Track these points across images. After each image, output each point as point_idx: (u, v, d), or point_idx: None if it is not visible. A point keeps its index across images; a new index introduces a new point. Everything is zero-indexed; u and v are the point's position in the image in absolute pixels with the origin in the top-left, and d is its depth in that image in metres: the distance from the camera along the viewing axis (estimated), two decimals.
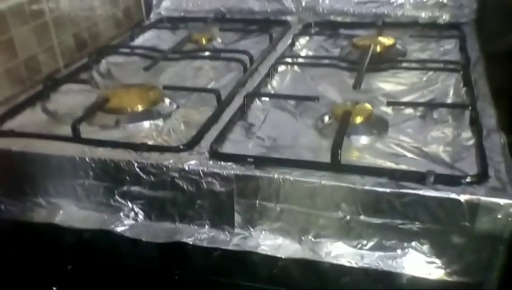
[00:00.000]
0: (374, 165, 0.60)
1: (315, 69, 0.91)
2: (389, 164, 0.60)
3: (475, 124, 0.66)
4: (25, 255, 0.73)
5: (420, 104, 0.73)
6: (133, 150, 0.65)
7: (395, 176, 0.56)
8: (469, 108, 0.68)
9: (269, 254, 0.60)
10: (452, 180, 0.55)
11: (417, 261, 0.56)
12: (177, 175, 0.61)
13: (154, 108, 0.78)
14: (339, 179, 0.57)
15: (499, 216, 0.52)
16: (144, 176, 0.63)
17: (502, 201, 0.52)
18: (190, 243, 0.61)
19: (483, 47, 0.93)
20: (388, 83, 0.84)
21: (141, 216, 0.65)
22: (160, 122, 0.75)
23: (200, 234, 0.62)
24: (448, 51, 0.96)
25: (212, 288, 0.66)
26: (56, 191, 0.68)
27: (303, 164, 0.60)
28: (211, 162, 0.61)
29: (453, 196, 0.53)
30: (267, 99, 0.79)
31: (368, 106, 0.72)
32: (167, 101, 0.80)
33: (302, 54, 0.99)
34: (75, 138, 0.68)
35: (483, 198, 0.53)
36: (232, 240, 0.61)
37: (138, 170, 0.63)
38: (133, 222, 0.65)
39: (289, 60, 0.93)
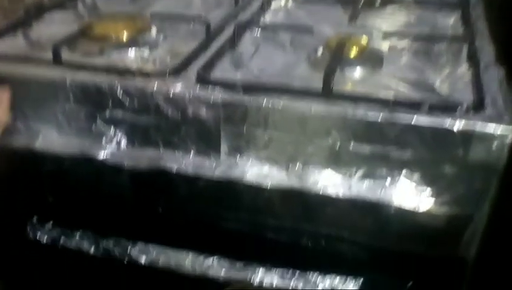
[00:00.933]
0: (368, 94, 0.57)
1: (310, 5, 0.87)
2: (384, 95, 0.58)
3: (472, 58, 0.63)
4: (5, 182, 0.70)
5: (417, 37, 0.70)
6: (116, 74, 0.61)
7: (388, 104, 0.54)
8: (468, 42, 0.65)
9: (255, 182, 0.58)
10: (447, 109, 0.53)
11: (407, 192, 0.55)
12: (162, 100, 0.58)
13: (140, 37, 0.74)
14: (330, 105, 0.54)
15: (494, 145, 0.50)
16: (128, 100, 0.60)
17: (498, 129, 0.50)
18: (174, 170, 0.59)
19: None
20: (385, 20, 0.81)
21: (123, 142, 0.62)
22: (146, 51, 0.72)
23: (184, 161, 0.60)
24: None
25: (196, 220, 0.65)
26: (36, 116, 0.65)
27: (293, 90, 0.57)
28: (198, 87, 0.58)
29: (448, 123, 0.51)
30: (259, 32, 0.75)
31: (363, 38, 0.69)
32: (154, 30, 0.77)
33: None
34: (56, 61, 0.65)
35: (478, 126, 0.51)
36: (217, 168, 0.59)
37: (121, 93, 0.60)
38: (115, 148, 0.62)
39: None
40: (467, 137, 0.51)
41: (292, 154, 0.57)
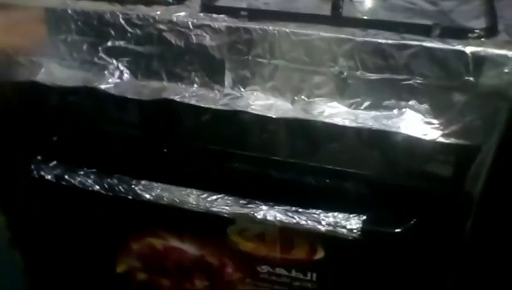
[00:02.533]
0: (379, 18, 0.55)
1: None
2: (397, 19, 0.55)
3: None
4: (8, 119, 0.69)
5: None
6: (118, 2, 0.59)
7: (399, 28, 0.51)
8: None
9: (260, 113, 0.56)
10: (459, 33, 0.50)
11: (414, 121, 0.53)
12: (165, 28, 0.56)
13: None
14: (339, 31, 0.52)
15: (506, 70, 0.48)
16: (130, 29, 0.58)
17: (510, 54, 0.48)
18: (178, 100, 0.57)
19: None
20: None
21: (127, 74, 0.60)
22: None
23: (188, 92, 0.58)
24: None
25: (200, 156, 0.63)
26: (37, 49, 0.63)
27: (301, 16, 0.55)
28: (202, 14, 0.56)
29: (459, 47, 0.49)
30: None
31: None
32: None
33: None
34: None
35: (490, 50, 0.49)
36: (221, 99, 0.57)
37: (123, 22, 0.58)
38: (118, 80, 0.60)
39: None
40: (478, 62, 0.49)
41: (297, 84, 0.56)
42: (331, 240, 0.62)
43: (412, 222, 0.59)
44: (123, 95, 0.59)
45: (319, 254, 0.69)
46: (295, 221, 0.62)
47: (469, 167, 0.54)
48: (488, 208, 0.61)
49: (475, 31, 0.50)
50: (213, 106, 0.57)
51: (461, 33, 0.50)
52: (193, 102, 0.57)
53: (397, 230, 0.60)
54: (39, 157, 0.72)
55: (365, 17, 0.54)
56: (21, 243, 0.86)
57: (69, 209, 0.74)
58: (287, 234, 0.69)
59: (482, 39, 0.50)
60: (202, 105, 0.57)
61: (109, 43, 0.59)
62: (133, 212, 0.69)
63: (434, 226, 0.61)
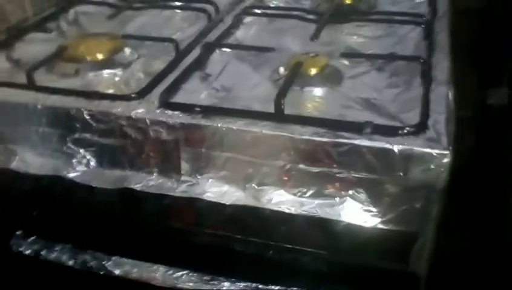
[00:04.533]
0: (318, 116, 0.60)
1: (281, 21, 0.90)
2: (336, 115, 0.61)
3: (426, 76, 0.66)
4: None
5: (371, 56, 0.73)
6: (84, 98, 0.65)
7: (334, 125, 0.57)
8: (421, 60, 0.67)
9: (214, 200, 0.61)
10: (389, 131, 0.56)
11: (354, 210, 0.58)
12: (125, 123, 0.62)
13: (114, 57, 0.78)
14: (280, 128, 0.58)
15: (432, 167, 0.53)
16: (94, 124, 0.64)
17: (435, 151, 0.53)
18: (138, 189, 0.63)
19: (454, 2, 0.92)
20: (352, 36, 0.84)
21: (93, 163, 0.66)
22: (119, 71, 0.76)
23: (148, 181, 0.63)
24: (419, 4, 0.94)
25: (164, 236, 0.69)
26: (12, 138, 0.69)
27: (248, 113, 0.60)
28: (158, 110, 0.62)
29: (387, 146, 0.54)
30: (227, 49, 0.79)
31: (323, 57, 0.72)
32: (127, 50, 0.80)
33: (272, 4, 0.98)
34: (30, 85, 0.69)
35: (416, 148, 0.53)
36: (178, 187, 0.63)
37: (88, 117, 0.64)
38: (85, 168, 0.66)
39: (256, 10, 0.92)
40: (405, 158, 0.54)
41: (247, 174, 0.61)
42: None
43: None
44: (89, 183, 0.64)
45: None
46: None
47: (409, 250, 0.59)
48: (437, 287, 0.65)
49: (405, 129, 0.55)
50: (171, 194, 0.62)
51: (391, 130, 0.55)
52: (153, 190, 0.63)
53: None
54: (19, 233, 0.78)
55: (304, 115, 0.60)
56: None
57: (45, 283, 0.79)
58: None
59: (410, 136, 0.55)
60: (161, 193, 0.62)
61: (76, 135, 0.65)
62: (104, 287, 0.74)
63: None
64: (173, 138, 0.61)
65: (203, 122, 0.60)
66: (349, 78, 0.70)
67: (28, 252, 0.76)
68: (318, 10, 0.92)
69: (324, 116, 0.60)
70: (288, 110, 0.61)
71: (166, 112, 0.62)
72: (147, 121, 0.61)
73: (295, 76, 0.65)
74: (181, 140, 0.61)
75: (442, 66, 0.69)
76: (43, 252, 0.75)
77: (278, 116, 0.59)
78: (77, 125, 0.65)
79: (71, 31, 0.91)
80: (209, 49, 0.77)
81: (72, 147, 0.66)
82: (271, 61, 0.75)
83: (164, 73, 0.71)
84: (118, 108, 0.63)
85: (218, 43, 0.79)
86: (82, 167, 0.66)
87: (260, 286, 0.67)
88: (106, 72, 0.76)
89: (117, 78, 0.74)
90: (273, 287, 0.66)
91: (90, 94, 0.66)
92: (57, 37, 0.89)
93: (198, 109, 0.62)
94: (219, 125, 0.59)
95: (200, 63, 0.75)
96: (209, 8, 0.91)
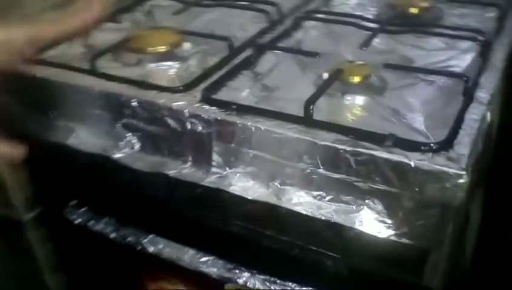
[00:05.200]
0: (345, 123, 0.62)
1: (341, 27, 0.92)
2: (366, 125, 0.62)
3: (467, 94, 0.66)
4: (49, 170, 0.85)
5: (413, 69, 0.73)
6: (135, 87, 0.72)
7: (357, 134, 0.59)
8: (464, 78, 0.67)
9: (239, 194, 0.66)
10: (410, 145, 0.57)
11: (370, 219, 0.60)
12: (167, 113, 0.68)
13: (174, 51, 0.84)
14: (304, 132, 0.61)
15: (448, 185, 0.54)
16: (140, 111, 0.70)
17: (452, 171, 0.53)
18: (172, 175, 0.68)
19: None
20: (409, 46, 0.84)
21: (137, 147, 0.73)
22: (176, 64, 0.82)
23: (181, 169, 0.69)
24: (488, 19, 0.92)
25: (193, 221, 0.74)
26: (72, 117, 0.78)
27: (278, 115, 0.64)
28: (197, 105, 0.67)
29: (405, 160, 0.55)
30: (278, 53, 0.82)
31: (368, 66, 0.74)
32: (187, 45, 0.86)
33: (335, 10, 1.00)
34: (91, 71, 0.77)
35: (433, 166, 0.54)
36: (208, 177, 0.67)
37: (135, 104, 0.70)
38: (130, 151, 0.73)
39: (316, 15, 0.95)
40: (422, 175, 0.55)
41: (272, 173, 0.64)
42: None
43: None
44: (130, 165, 0.71)
45: None
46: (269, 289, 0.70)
47: (423, 265, 0.59)
48: None
49: (427, 145, 0.56)
50: (201, 183, 0.68)
51: (412, 145, 0.57)
52: (184, 178, 0.68)
53: None
54: (72, 203, 0.87)
55: (330, 122, 0.62)
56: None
57: (89, 252, 0.88)
58: None
59: (430, 153, 0.56)
60: (192, 181, 0.68)
61: (125, 120, 0.72)
62: (138, 261, 0.81)
63: None
64: (207, 131, 0.66)
65: (235, 119, 0.64)
66: (392, 90, 0.71)
67: (77, 221, 0.85)
68: (378, 18, 0.92)
69: (350, 124, 0.62)
70: (323, 116, 0.63)
71: (204, 106, 0.67)
72: (186, 113, 0.67)
73: (331, 82, 0.67)
74: (215, 134, 0.66)
75: (488, 87, 0.68)
76: (90, 223, 0.84)
77: (306, 120, 0.62)
78: (126, 111, 0.71)
79: (144, 23, 0.99)
80: (260, 49, 0.81)
81: (121, 130, 0.73)
82: (320, 66, 0.77)
83: (213, 69, 0.76)
84: (162, 99, 0.69)
85: (269, 45, 0.83)
86: (127, 150, 0.73)
87: (278, 281, 0.70)
88: (164, 65, 0.82)
89: (173, 71, 0.81)
90: (289, 283, 0.69)
91: (140, 84, 0.72)
92: (130, 28, 0.97)
93: (233, 106, 0.66)
94: (248, 123, 0.63)
95: (249, 63, 0.79)
96: (271, 9, 0.94)
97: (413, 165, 0.55)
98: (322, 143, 0.59)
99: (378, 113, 0.67)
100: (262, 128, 0.62)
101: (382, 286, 0.65)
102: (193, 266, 0.75)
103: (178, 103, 0.68)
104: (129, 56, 0.84)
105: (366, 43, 0.79)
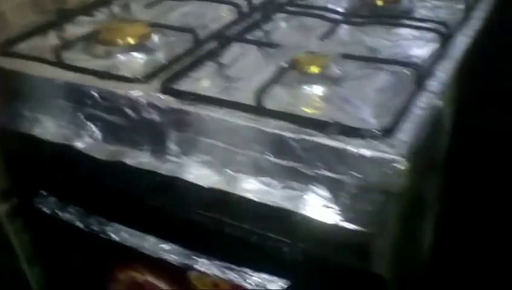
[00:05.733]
0: (294, 112, 0.64)
1: (310, 19, 0.94)
2: (319, 114, 0.64)
3: (418, 84, 0.68)
4: (19, 159, 0.87)
5: (368, 59, 0.75)
6: (97, 77, 0.74)
7: (303, 122, 0.61)
8: (416, 67, 0.69)
9: (193, 181, 0.68)
10: (354, 132, 0.59)
11: (316, 205, 0.62)
12: (125, 102, 0.70)
13: (142, 43, 0.87)
14: (253, 120, 0.63)
15: (388, 171, 0.56)
16: (101, 101, 0.72)
17: (391, 157, 0.55)
18: (130, 164, 0.71)
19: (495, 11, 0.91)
20: (375, 38, 0.86)
21: (98, 137, 0.75)
22: (144, 56, 0.84)
23: (139, 158, 0.71)
24: (458, 10, 0.94)
25: (153, 209, 0.76)
26: (39, 108, 0.80)
27: (230, 104, 0.66)
28: (154, 94, 0.69)
29: (347, 147, 0.57)
30: (243, 42, 0.84)
31: (327, 57, 0.75)
32: (155, 37, 0.89)
33: (309, 3, 1.01)
34: (56, 62, 0.79)
35: (374, 152, 0.56)
36: (165, 166, 0.70)
37: (95, 94, 0.72)
38: (91, 141, 0.75)
39: (285, 7, 0.96)
40: (364, 161, 0.57)
41: (225, 161, 0.66)
42: None
43: None
44: (91, 154, 0.73)
45: None
46: (227, 276, 0.72)
47: (368, 251, 0.61)
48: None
49: (370, 132, 0.58)
50: (158, 171, 0.70)
51: (356, 132, 0.58)
52: (142, 167, 0.70)
53: None
54: (43, 192, 0.89)
55: (278, 110, 0.64)
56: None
57: (57, 239, 0.90)
58: (236, 286, 0.78)
59: (373, 140, 0.57)
60: (149, 169, 0.70)
61: (87, 110, 0.74)
62: (102, 249, 0.84)
63: None
64: (163, 120, 0.68)
65: (189, 108, 0.66)
66: (349, 80, 0.73)
67: (47, 210, 0.87)
68: (347, 11, 0.94)
69: (300, 113, 0.63)
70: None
71: (160, 96, 0.69)
72: (143, 102, 0.69)
73: (284, 73, 0.69)
74: (170, 123, 0.68)
75: (441, 77, 0.69)
76: (58, 212, 0.86)
77: (256, 109, 0.64)
78: (87, 101, 0.74)
79: (119, 16, 1.01)
80: (225, 41, 0.83)
81: (83, 120, 0.75)
82: (283, 57, 0.79)
83: (176, 60, 0.78)
84: (121, 89, 0.71)
85: (234, 36, 0.85)
86: (88, 139, 0.75)
87: (235, 267, 0.72)
88: (132, 56, 0.84)
89: (140, 62, 0.83)
90: (247, 270, 0.71)
91: (101, 74, 0.75)
92: (104, 21, 0.99)
93: (189, 96, 0.68)
94: (202, 112, 0.65)
95: (214, 54, 0.81)
96: (242, 2, 0.96)
97: (354, 152, 0.57)
98: (270, 131, 0.61)
99: (333, 103, 0.69)
100: (215, 116, 0.64)
101: (335, 273, 0.67)
102: (155, 253, 0.77)
103: (136, 92, 0.70)
104: (99, 48, 0.86)
105: (327, 35, 0.81)
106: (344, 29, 0.88)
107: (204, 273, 0.77)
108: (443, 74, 0.70)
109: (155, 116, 0.68)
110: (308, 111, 0.66)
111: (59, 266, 1.04)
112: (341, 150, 0.58)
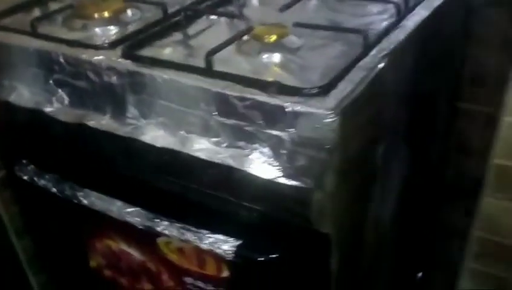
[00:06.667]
0: (240, 73, 0.68)
1: None
2: (268, 78, 0.68)
3: (364, 49, 0.71)
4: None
5: (318, 27, 0.79)
6: (66, 45, 0.80)
7: (246, 82, 0.65)
8: (362, 34, 0.72)
9: (150, 143, 0.72)
10: (291, 91, 0.62)
11: (259, 163, 0.65)
12: (88, 67, 0.75)
13: (118, 17, 0.92)
14: (201, 81, 0.67)
15: (318, 126, 0.59)
16: (67, 66, 0.78)
17: (320, 112, 0.59)
18: (92, 126, 0.76)
19: None
20: (336, 12, 0.89)
21: (66, 101, 0.80)
22: (118, 29, 0.89)
23: (100, 120, 0.76)
24: None
25: (117, 173, 0.81)
26: (16, 76, 0.86)
27: (182, 66, 0.70)
28: (115, 59, 0.74)
29: (283, 104, 0.61)
30: (209, 17, 0.89)
31: (286, 28, 0.79)
32: (130, 11, 0.94)
33: None
34: (31, 32, 0.85)
35: (305, 108, 0.60)
36: (124, 128, 0.74)
37: (62, 60, 0.78)
38: (60, 105, 0.81)
39: None
40: (297, 117, 0.60)
41: (178, 122, 0.71)
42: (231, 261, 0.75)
43: (274, 255, 0.71)
44: (57, 118, 0.79)
45: (225, 273, 0.82)
46: (185, 237, 0.77)
47: (309, 206, 0.65)
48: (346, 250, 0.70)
49: (306, 90, 0.62)
50: (118, 133, 0.75)
51: (293, 91, 0.62)
52: (103, 128, 0.75)
53: (263, 258, 0.72)
54: (24, 161, 0.95)
55: (225, 71, 0.68)
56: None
57: (37, 205, 0.96)
58: (199, 251, 0.83)
59: (307, 97, 0.61)
60: (109, 131, 0.75)
61: (55, 76, 0.80)
62: (75, 213, 0.89)
63: (297, 259, 0.72)
64: (121, 83, 0.73)
65: (143, 70, 0.71)
66: (305, 49, 0.77)
67: (25, 177, 0.93)
68: None
69: (244, 74, 0.67)
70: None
71: (119, 60, 0.74)
72: (103, 66, 0.74)
73: (235, 39, 0.74)
74: (128, 86, 0.73)
75: (386, 45, 0.72)
76: (36, 179, 0.92)
77: (206, 71, 0.68)
78: (56, 67, 0.79)
79: None
80: (194, 14, 0.88)
81: (53, 86, 0.81)
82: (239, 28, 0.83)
83: (142, 31, 0.83)
84: (85, 54, 0.76)
85: (201, 9, 0.90)
86: (57, 104, 0.81)
87: (192, 228, 0.77)
88: (107, 29, 0.89)
89: (114, 34, 0.88)
90: (203, 231, 0.76)
91: (70, 42, 0.80)
92: None
93: (147, 60, 0.73)
94: (155, 74, 0.70)
95: (181, 26, 0.86)
96: None
97: (291, 109, 0.61)
98: (216, 90, 0.65)
99: (287, 69, 0.72)
100: (167, 78, 0.69)
101: (282, 230, 0.71)
102: (121, 216, 0.82)
103: (98, 57, 0.75)
104: (76, 22, 0.92)
105: (285, 7, 0.85)
106: (312, 4, 0.91)
107: (168, 238, 0.81)
108: (391, 42, 0.73)
109: (114, 80, 0.73)
110: (264, 77, 0.70)
111: (45, 238, 1.09)
112: (279, 107, 0.61)
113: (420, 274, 1.24)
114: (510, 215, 0.83)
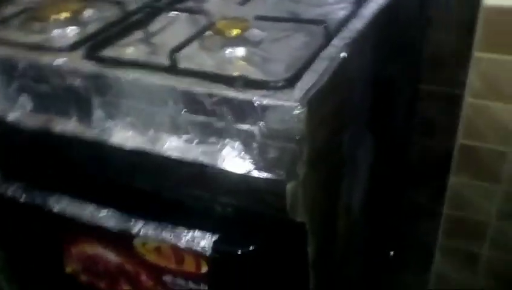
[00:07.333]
0: (206, 70, 0.69)
1: None
2: (233, 72, 0.69)
3: (326, 40, 0.72)
4: None
5: (279, 19, 0.80)
6: (26, 50, 0.79)
7: (213, 78, 0.66)
8: (323, 25, 0.74)
9: (119, 145, 0.72)
10: (257, 85, 0.64)
11: (231, 157, 0.66)
12: (50, 71, 0.75)
13: (77, 18, 0.91)
14: (167, 79, 0.68)
15: (286, 118, 0.61)
16: (29, 71, 0.77)
17: (287, 104, 0.60)
18: (58, 132, 0.75)
19: None
20: (300, 4, 0.90)
21: (29, 107, 0.80)
22: (77, 29, 0.89)
23: (66, 125, 0.76)
24: None
25: (86, 176, 0.81)
26: None
27: (146, 65, 0.71)
28: (77, 61, 0.74)
29: (250, 98, 0.62)
30: (170, 14, 0.89)
31: (247, 21, 0.80)
32: (90, 11, 0.93)
33: None
34: None
35: (274, 101, 0.61)
36: (91, 131, 0.74)
37: (24, 66, 0.77)
38: (22, 111, 0.80)
39: None
40: (264, 110, 0.62)
41: (147, 121, 0.71)
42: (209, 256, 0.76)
43: (251, 248, 0.72)
44: (19, 124, 0.78)
45: (204, 268, 0.83)
46: (161, 237, 0.77)
47: (283, 198, 0.66)
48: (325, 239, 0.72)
49: (272, 83, 0.63)
50: (84, 136, 0.75)
51: (259, 84, 0.64)
52: (69, 134, 0.75)
53: (241, 251, 0.73)
54: None
55: (191, 68, 0.69)
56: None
57: (11, 215, 0.95)
58: (176, 249, 0.84)
59: (274, 90, 0.62)
60: (76, 135, 0.75)
61: (16, 82, 0.79)
62: (45, 221, 0.88)
63: (275, 250, 0.73)
64: (86, 86, 0.73)
65: (107, 71, 0.71)
66: (268, 41, 0.78)
67: None
68: None
69: (210, 70, 0.68)
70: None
71: (82, 62, 0.73)
72: (66, 70, 0.73)
73: (198, 36, 0.74)
74: (93, 89, 0.73)
75: (347, 34, 0.74)
76: (2, 189, 0.91)
77: (172, 69, 0.69)
78: (17, 73, 0.78)
79: None
80: (153, 11, 0.88)
81: (15, 92, 0.80)
82: (202, 25, 0.83)
83: (101, 31, 0.83)
84: (46, 58, 0.75)
85: (162, 6, 0.90)
86: (20, 111, 0.80)
87: (168, 227, 0.77)
88: (67, 30, 0.88)
89: (73, 35, 0.87)
90: (180, 227, 0.77)
91: (30, 46, 0.79)
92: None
93: (110, 61, 0.73)
94: (120, 75, 0.70)
95: (142, 24, 0.86)
96: None
97: (259, 103, 0.62)
98: (181, 88, 0.66)
99: (252, 62, 0.73)
100: (132, 78, 0.69)
101: (258, 223, 0.72)
102: (94, 220, 0.82)
103: (59, 60, 0.74)
104: (35, 25, 0.90)
105: (246, 0, 0.86)
106: None
107: (145, 238, 0.82)
108: (350, 30, 0.75)
109: (78, 83, 0.73)
110: (228, 71, 0.71)
111: (18, 248, 1.08)
112: (248, 102, 0.63)
113: (391, 253, 1.28)
114: (477, 192, 0.86)
